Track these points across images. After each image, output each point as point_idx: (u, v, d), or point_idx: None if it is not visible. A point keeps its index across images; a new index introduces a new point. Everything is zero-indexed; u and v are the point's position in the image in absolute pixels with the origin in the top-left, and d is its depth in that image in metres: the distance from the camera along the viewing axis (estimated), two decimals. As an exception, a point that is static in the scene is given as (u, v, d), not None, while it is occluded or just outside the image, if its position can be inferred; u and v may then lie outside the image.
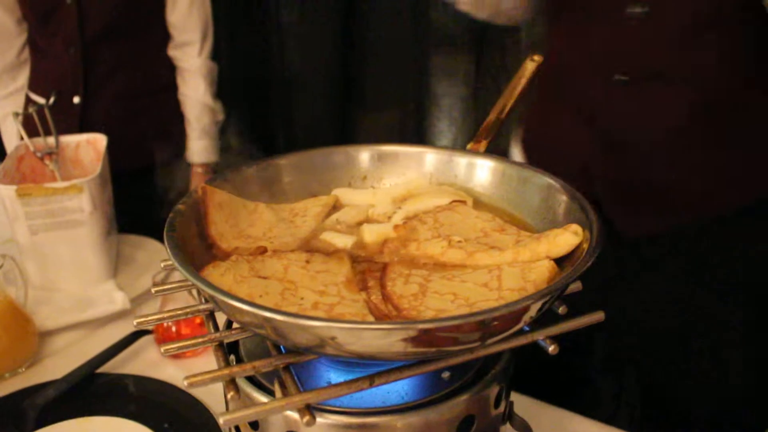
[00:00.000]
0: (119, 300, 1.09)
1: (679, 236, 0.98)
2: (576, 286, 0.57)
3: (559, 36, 1.05)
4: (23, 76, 1.59)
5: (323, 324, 0.43)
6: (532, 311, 0.46)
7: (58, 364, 0.97)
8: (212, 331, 0.55)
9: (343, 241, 0.62)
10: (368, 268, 0.58)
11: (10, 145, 1.63)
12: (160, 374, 0.94)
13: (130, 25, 1.49)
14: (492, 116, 0.70)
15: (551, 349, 0.50)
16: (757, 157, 0.94)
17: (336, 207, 0.69)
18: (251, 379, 0.53)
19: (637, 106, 0.93)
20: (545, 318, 0.51)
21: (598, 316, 0.52)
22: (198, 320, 1.03)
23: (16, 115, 1.27)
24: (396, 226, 0.63)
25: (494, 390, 0.54)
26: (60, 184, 1.10)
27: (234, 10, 1.90)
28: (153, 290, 0.62)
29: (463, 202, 0.67)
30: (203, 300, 0.59)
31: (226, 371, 0.48)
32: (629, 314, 1.00)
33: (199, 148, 1.62)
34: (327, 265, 0.57)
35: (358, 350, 0.44)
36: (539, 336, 0.50)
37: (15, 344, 0.98)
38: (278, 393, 0.47)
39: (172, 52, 1.58)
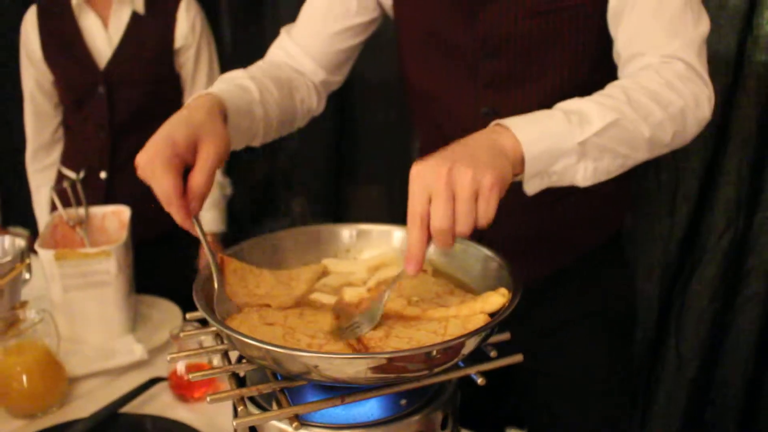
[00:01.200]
0: (138, 351, 1.26)
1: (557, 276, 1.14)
2: (505, 336, 0.75)
3: (422, 128, 1.20)
4: (57, 153, 1.80)
5: (309, 354, 0.61)
6: (465, 348, 0.64)
7: (85, 405, 1.12)
8: (227, 365, 0.72)
9: (328, 300, 0.80)
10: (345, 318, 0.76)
11: (41, 212, 1.82)
12: (174, 415, 1.10)
13: (152, 113, 1.69)
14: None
15: (479, 381, 0.67)
16: (604, 203, 1.12)
17: (324, 273, 0.88)
18: (252, 399, 0.70)
19: None
20: (479, 358, 0.69)
21: (517, 358, 0.70)
22: (206, 369, 1.19)
23: (53, 188, 1.47)
24: (369, 289, 0.81)
25: (440, 415, 0.71)
26: (92, 250, 1.28)
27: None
28: (181, 335, 0.78)
29: (424, 270, 0.86)
30: (219, 342, 0.76)
31: (237, 392, 0.65)
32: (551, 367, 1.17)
33: (208, 218, 1.80)
34: (316, 317, 0.75)
35: (334, 375, 0.61)
36: (471, 371, 0.68)
37: (49, 388, 1.14)
38: (275, 407, 0.64)
39: (188, 134, 1.79)
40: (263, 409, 0.69)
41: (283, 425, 0.66)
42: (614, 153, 0.79)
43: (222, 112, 0.83)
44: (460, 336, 0.64)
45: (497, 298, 0.72)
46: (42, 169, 1.80)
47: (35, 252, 1.29)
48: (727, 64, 1.36)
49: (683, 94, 0.84)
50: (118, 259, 1.30)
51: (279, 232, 0.90)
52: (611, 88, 0.84)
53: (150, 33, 1.66)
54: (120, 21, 1.65)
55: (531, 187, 0.77)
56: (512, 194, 0.74)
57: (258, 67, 1.04)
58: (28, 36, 1.69)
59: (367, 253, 0.91)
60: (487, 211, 0.66)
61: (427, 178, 0.66)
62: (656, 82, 0.84)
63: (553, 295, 1.14)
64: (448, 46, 1.03)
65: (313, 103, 1.12)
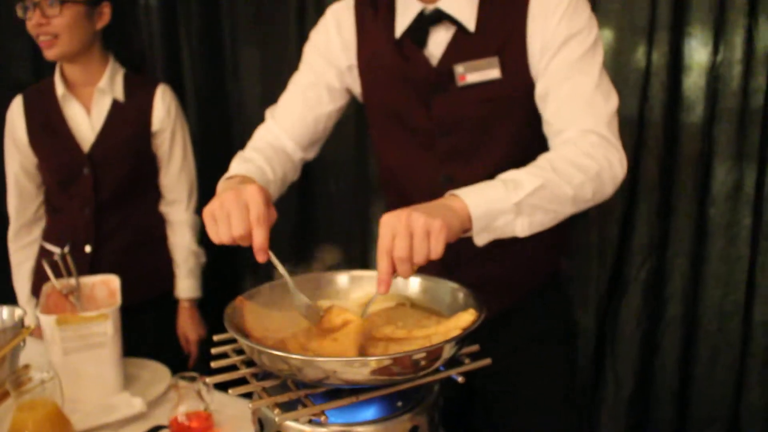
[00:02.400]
0: (137, 404, 1.37)
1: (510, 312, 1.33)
2: (475, 348, 0.93)
3: (388, 192, 1.40)
4: (38, 230, 1.90)
5: (323, 359, 0.78)
6: (445, 352, 0.82)
7: (92, 457, 1.24)
8: (256, 382, 0.87)
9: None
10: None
11: (21, 287, 1.91)
12: (178, 458, 1.22)
13: (132, 189, 1.84)
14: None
15: (460, 379, 0.86)
16: (544, 251, 1.33)
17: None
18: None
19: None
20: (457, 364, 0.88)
21: (485, 362, 0.89)
22: (204, 415, 1.32)
23: (46, 261, 1.58)
24: (363, 320, 0.99)
25: (427, 414, 0.88)
26: (91, 313, 1.40)
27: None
28: (180, 383, 0.93)
29: (404, 304, 1.05)
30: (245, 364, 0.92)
31: (271, 400, 0.81)
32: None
33: (185, 286, 1.93)
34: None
35: (347, 378, 0.78)
36: (452, 372, 0.86)
37: (59, 441, 1.24)
38: (300, 407, 0.80)
39: (163, 208, 1.94)
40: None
41: (304, 427, 0.82)
42: (544, 209, 1.02)
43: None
44: (441, 342, 0.82)
45: (467, 316, 0.91)
46: (24, 246, 1.90)
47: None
48: (631, 126, 1.65)
49: (598, 159, 1.08)
50: (114, 321, 1.43)
51: (283, 279, 1.06)
52: (540, 160, 1.08)
53: (130, 118, 1.82)
54: (102, 108, 1.81)
55: (480, 240, 0.99)
56: (472, 247, 0.95)
57: (262, 150, 1.25)
58: (14, 123, 1.83)
59: (356, 293, 1.09)
60: (436, 247, 0.87)
61: (392, 222, 0.87)
62: (575, 152, 1.08)
63: (508, 326, 1.34)
64: (410, 126, 1.26)
65: (294, 175, 1.34)
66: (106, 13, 1.75)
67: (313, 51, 1.36)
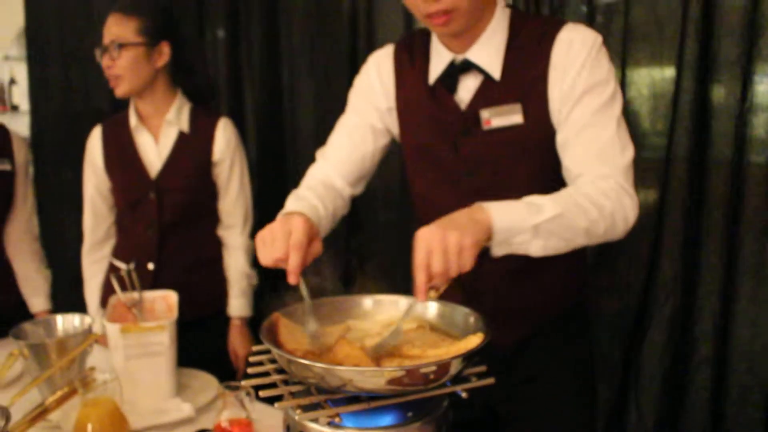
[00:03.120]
0: (187, 409, 1.51)
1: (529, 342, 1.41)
2: (482, 368, 1.03)
3: (418, 196, 1.46)
4: (108, 248, 2.10)
5: (343, 368, 0.89)
6: (452, 367, 0.92)
7: (144, 453, 1.38)
8: (284, 387, 0.99)
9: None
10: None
11: (91, 298, 2.10)
12: (220, 459, 1.35)
13: (192, 214, 2.01)
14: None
15: (464, 395, 0.95)
16: (564, 277, 1.40)
17: (349, 329, 1.17)
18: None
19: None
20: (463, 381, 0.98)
21: (489, 381, 0.98)
22: (245, 422, 1.44)
23: (114, 276, 1.75)
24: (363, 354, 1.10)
25: (434, 425, 0.98)
26: (151, 324, 1.56)
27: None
28: (249, 370, 1.05)
29: (423, 326, 1.16)
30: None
31: (295, 402, 0.93)
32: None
33: (237, 305, 2.08)
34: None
35: (362, 386, 0.89)
36: (457, 388, 0.96)
37: (116, 435, 1.39)
38: (321, 410, 0.92)
39: (221, 232, 2.10)
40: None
41: (324, 428, 0.93)
42: (559, 236, 1.11)
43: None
44: (449, 357, 0.93)
45: (475, 339, 1.01)
46: (95, 262, 2.10)
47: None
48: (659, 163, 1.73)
49: (612, 201, 1.17)
50: (170, 332, 1.58)
51: (317, 300, 1.19)
52: (563, 191, 1.18)
53: (193, 148, 2.00)
54: (168, 138, 1.99)
55: (497, 251, 1.10)
56: (494, 276, 1.05)
57: (318, 189, 1.39)
58: (92, 150, 2.04)
59: (380, 315, 1.20)
60: (467, 262, 0.99)
61: (428, 239, 0.99)
62: (594, 190, 1.17)
63: (527, 353, 1.42)
64: (439, 163, 1.38)
65: (344, 210, 1.47)
66: (165, 53, 1.93)
67: (357, 95, 1.50)
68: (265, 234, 1.09)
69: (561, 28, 1.28)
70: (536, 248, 1.10)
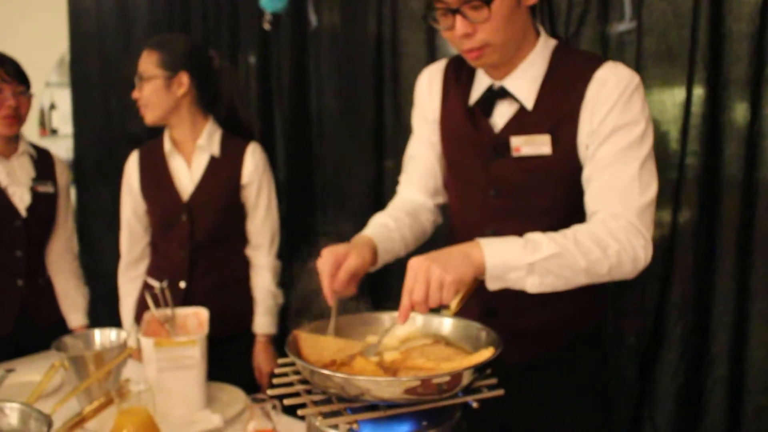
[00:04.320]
0: (216, 420, 1.59)
1: (544, 360, 1.45)
2: (493, 381, 1.09)
3: (452, 207, 1.55)
4: (143, 266, 2.20)
5: (362, 378, 0.96)
6: (464, 378, 0.99)
7: (177, 458, 1.46)
8: (307, 396, 1.07)
9: (373, 359, 1.16)
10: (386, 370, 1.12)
11: (126, 314, 2.20)
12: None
13: (223, 235, 2.10)
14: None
15: (474, 405, 1.02)
16: (586, 298, 1.42)
17: (369, 343, 1.24)
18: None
19: None
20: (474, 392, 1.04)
21: (498, 392, 1.04)
22: (270, 432, 1.52)
23: (148, 293, 1.85)
24: (401, 352, 1.17)
25: (448, 433, 1.05)
26: (183, 339, 1.65)
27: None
28: (274, 381, 1.13)
29: (439, 341, 1.22)
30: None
31: (316, 409, 1.00)
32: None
33: (262, 322, 2.15)
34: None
35: (379, 395, 0.96)
36: (468, 398, 1.02)
37: (151, 444, 1.47)
38: (340, 417, 0.99)
39: (248, 252, 2.19)
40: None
41: (343, 434, 1.00)
42: (556, 274, 1.17)
43: (371, 245, 1.34)
44: (460, 369, 0.99)
45: (486, 353, 1.08)
46: (131, 280, 2.20)
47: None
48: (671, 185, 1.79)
49: (621, 241, 1.21)
50: (201, 347, 1.66)
51: (341, 317, 1.26)
52: (568, 230, 1.23)
53: (223, 172, 2.09)
54: (200, 163, 2.09)
55: (491, 286, 1.17)
56: (513, 297, 1.15)
57: (396, 206, 1.53)
58: (130, 174, 2.15)
59: (399, 330, 1.27)
60: (447, 296, 1.09)
61: (415, 269, 1.10)
62: (601, 230, 1.22)
63: (542, 373, 1.47)
64: (470, 181, 1.46)
65: (436, 218, 1.59)
66: (184, 83, 2.03)
67: (415, 109, 1.60)
68: (326, 251, 1.23)
69: (600, 66, 1.32)
70: (532, 285, 1.16)
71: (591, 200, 1.31)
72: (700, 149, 1.73)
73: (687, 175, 1.76)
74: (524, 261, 1.14)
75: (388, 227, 1.42)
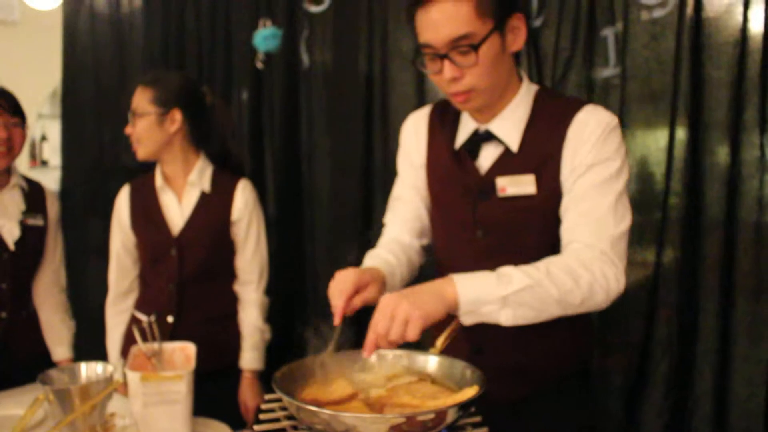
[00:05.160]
0: (202, 455, 1.58)
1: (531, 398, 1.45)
2: (477, 419, 1.10)
3: (438, 248, 1.58)
4: (131, 300, 2.19)
5: (348, 414, 0.97)
6: (448, 416, 1.00)
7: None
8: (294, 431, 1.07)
9: (360, 396, 1.16)
10: (372, 407, 1.12)
11: (112, 348, 2.19)
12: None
13: (212, 270, 2.11)
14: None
15: (459, 443, 1.03)
16: (572, 335, 1.46)
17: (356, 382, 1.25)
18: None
19: None
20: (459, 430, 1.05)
21: (483, 430, 1.05)
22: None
23: (136, 327, 1.85)
24: (387, 390, 1.18)
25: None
26: (169, 373, 1.64)
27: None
28: (261, 416, 1.14)
29: (425, 379, 1.23)
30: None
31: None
32: None
33: (249, 357, 2.14)
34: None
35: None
36: (453, 437, 1.03)
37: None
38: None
39: (237, 288, 2.19)
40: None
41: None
42: (529, 306, 1.19)
43: (383, 280, 1.36)
44: (445, 406, 1.00)
45: (470, 391, 1.09)
46: (118, 313, 2.19)
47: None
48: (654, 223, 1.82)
49: (593, 272, 1.24)
50: (188, 382, 1.66)
51: (323, 355, 1.27)
52: (541, 262, 1.26)
53: (213, 208, 2.11)
54: (191, 198, 2.11)
55: (466, 320, 1.19)
56: (500, 335, 1.16)
57: (389, 245, 1.54)
58: (120, 208, 2.16)
59: (386, 368, 1.28)
60: (412, 332, 1.11)
61: (384, 305, 1.12)
62: (574, 261, 1.26)
63: (529, 411, 1.47)
64: (458, 221, 1.48)
65: (422, 258, 1.60)
66: (177, 119, 2.06)
67: (400, 155, 1.63)
68: (339, 276, 1.26)
69: (580, 109, 1.37)
70: (506, 318, 1.18)
71: (567, 230, 1.34)
72: (683, 190, 1.78)
73: (671, 216, 1.80)
74: (497, 294, 1.16)
75: (390, 263, 1.44)
